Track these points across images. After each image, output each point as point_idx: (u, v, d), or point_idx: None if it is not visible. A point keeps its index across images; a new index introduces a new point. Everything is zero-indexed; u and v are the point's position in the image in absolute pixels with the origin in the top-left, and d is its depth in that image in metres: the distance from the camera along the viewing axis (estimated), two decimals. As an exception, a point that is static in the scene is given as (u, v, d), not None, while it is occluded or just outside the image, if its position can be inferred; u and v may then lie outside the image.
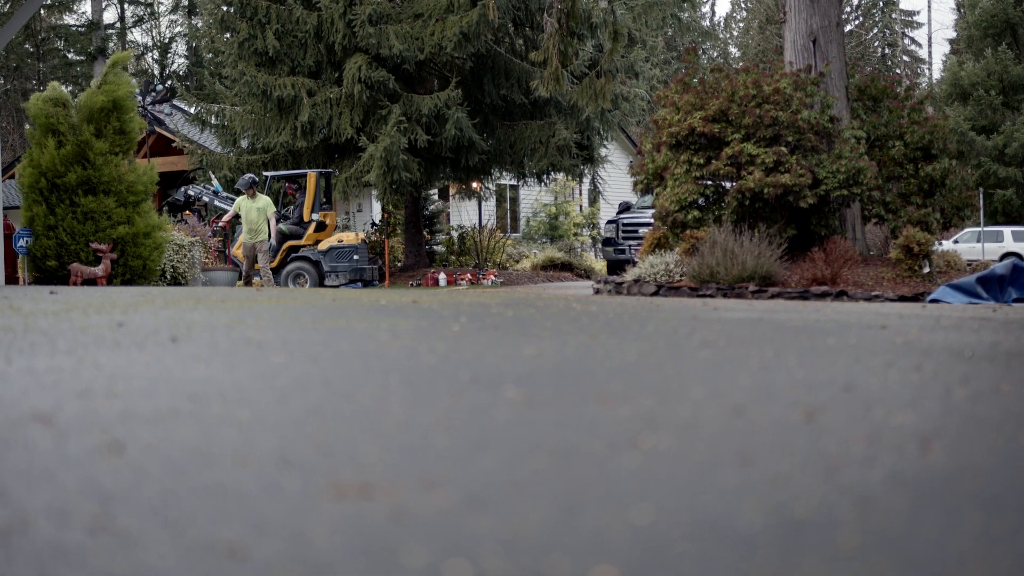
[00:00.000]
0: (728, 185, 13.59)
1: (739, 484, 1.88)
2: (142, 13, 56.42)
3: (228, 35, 23.84)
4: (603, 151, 27.14)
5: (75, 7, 54.87)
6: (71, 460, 1.98)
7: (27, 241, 14.97)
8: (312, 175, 19.00)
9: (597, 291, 14.43)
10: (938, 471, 2.04)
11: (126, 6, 55.48)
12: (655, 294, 12.92)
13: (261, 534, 1.52)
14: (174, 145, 25.83)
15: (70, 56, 54.26)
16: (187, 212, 19.22)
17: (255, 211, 16.68)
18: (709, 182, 13.77)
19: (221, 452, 2.08)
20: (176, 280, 17.30)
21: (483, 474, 1.93)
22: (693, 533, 1.57)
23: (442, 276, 22.84)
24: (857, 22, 69.10)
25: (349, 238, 19.36)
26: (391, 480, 1.86)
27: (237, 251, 18.20)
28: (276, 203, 19.13)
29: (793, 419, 2.58)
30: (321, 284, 18.51)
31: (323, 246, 19.08)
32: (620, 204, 25.37)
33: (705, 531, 1.58)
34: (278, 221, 18.32)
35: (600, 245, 30.48)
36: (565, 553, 1.46)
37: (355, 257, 19.04)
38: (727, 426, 2.47)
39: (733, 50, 73.57)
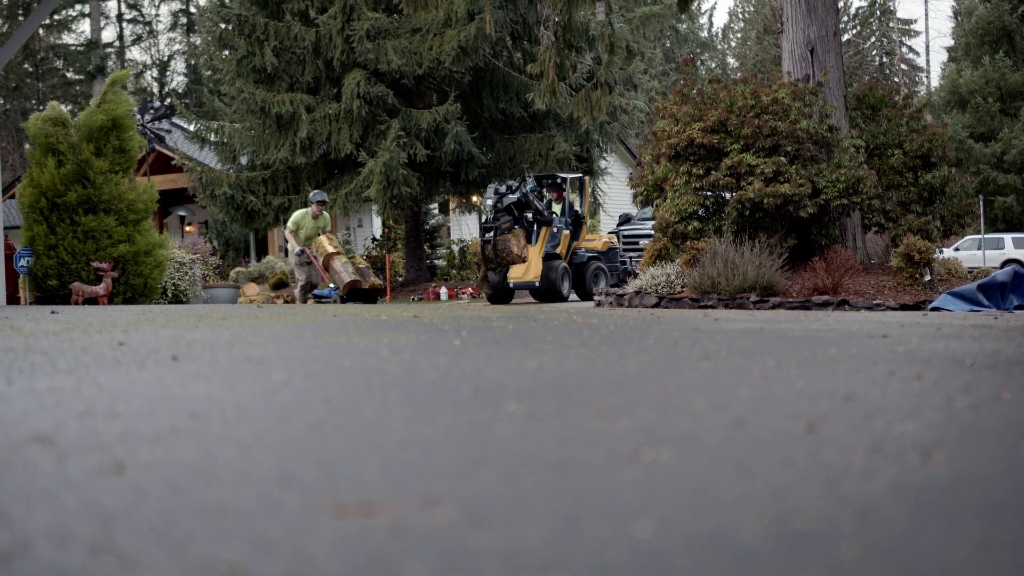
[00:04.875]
0: (728, 196, 13.58)
1: (740, 496, 1.88)
2: (141, 32, 56.62)
3: (227, 52, 23.90)
4: (603, 163, 27.18)
5: (74, 26, 55.09)
6: (72, 481, 1.98)
7: (28, 261, 14.98)
8: (587, 179, 19.04)
9: (598, 303, 14.42)
10: (939, 481, 2.04)
11: (125, 25, 55.68)
12: (656, 305, 12.92)
13: (262, 553, 1.52)
14: (174, 163, 25.85)
15: (69, 75, 54.45)
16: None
17: (316, 229, 16.56)
18: (709, 193, 13.76)
19: (222, 471, 2.08)
20: (177, 298, 17.31)
21: (484, 489, 1.93)
22: (694, 546, 1.57)
23: (443, 290, 22.85)
24: (855, 31, 69.25)
25: (614, 241, 19.76)
26: (392, 497, 1.85)
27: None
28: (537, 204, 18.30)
29: (794, 430, 2.58)
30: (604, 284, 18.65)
31: (603, 247, 19.21)
32: (620, 216, 25.38)
33: (706, 544, 1.58)
34: (549, 223, 18.08)
35: (601, 257, 30.44)
36: (566, 568, 1.46)
37: (620, 259, 19.35)
38: (728, 438, 2.47)
39: (731, 61, 73.74)
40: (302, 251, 16.37)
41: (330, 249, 16.23)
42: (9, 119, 49.86)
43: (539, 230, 17.79)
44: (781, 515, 1.74)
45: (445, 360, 4.27)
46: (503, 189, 17.46)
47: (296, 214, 16.78)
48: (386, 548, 1.55)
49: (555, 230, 18.00)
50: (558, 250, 17.84)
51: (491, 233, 16.84)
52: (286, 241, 18.28)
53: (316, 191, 17.25)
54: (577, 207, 18.83)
